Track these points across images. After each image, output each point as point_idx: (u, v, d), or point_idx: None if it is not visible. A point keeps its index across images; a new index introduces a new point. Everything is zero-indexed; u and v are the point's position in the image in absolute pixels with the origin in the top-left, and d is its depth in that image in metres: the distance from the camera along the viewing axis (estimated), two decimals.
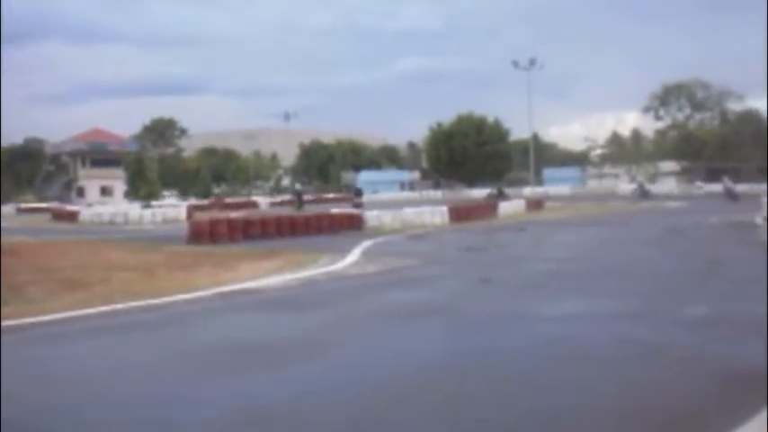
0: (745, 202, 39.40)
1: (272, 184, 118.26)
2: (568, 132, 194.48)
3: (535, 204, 47.00)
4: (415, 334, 9.80)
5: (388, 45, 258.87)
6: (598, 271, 16.38)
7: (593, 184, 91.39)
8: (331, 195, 79.83)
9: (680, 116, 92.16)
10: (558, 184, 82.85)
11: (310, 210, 39.74)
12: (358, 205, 41.70)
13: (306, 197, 61.02)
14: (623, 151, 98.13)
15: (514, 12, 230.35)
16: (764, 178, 58.25)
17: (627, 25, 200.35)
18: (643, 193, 56.81)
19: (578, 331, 9.52)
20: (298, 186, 53.83)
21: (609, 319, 10.27)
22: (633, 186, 64.30)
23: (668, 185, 75.01)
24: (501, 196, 53.84)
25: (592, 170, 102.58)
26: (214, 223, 27.48)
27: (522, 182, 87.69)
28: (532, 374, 7.47)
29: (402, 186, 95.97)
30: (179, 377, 7.78)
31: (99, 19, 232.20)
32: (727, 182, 52.41)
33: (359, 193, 49.39)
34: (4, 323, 10.61)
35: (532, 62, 75.15)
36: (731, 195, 48.80)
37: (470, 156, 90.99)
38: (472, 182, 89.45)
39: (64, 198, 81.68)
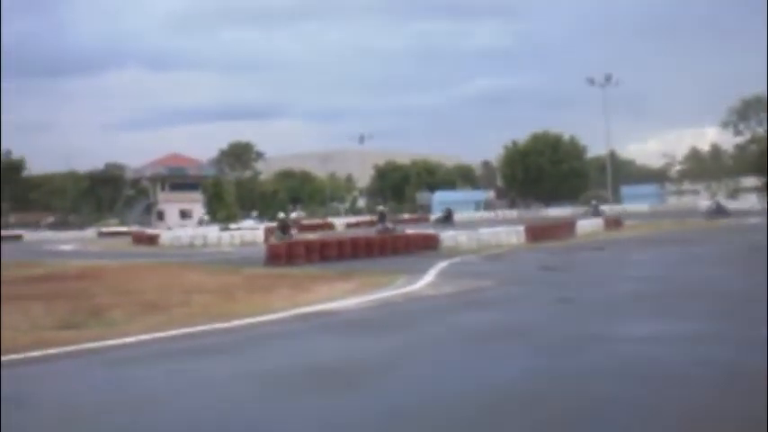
0: None
1: (347, 205, 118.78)
2: (646, 149, 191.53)
3: (613, 222, 46.32)
4: (492, 356, 9.71)
5: (461, 65, 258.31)
6: (677, 291, 16.05)
7: (672, 202, 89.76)
8: (406, 216, 79.85)
9: (760, 130, 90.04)
10: (636, 202, 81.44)
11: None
12: (445, 219, 41.11)
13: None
14: (702, 167, 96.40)
15: (588, 29, 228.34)
16: None
17: (704, 40, 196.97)
18: (719, 210, 55.22)
19: (658, 353, 9.34)
20: (381, 208, 53.81)
21: (689, 341, 10.05)
22: (709, 203, 62.58)
23: (749, 201, 73.19)
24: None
25: (670, 187, 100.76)
26: (291, 245, 27.69)
27: (600, 200, 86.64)
28: (612, 397, 7.34)
29: (477, 206, 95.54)
30: (259, 399, 7.82)
31: (175, 45, 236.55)
32: None
33: (449, 214, 48.81)
34: (86, 345, 10.86)
35: (608, 79, 74.56)
36: None
37: (546, 174, 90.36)
38: (549, 200, 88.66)
39: (144, 222, 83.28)
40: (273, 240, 33.23)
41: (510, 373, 8.63)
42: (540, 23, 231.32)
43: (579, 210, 69.95)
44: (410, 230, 36.45)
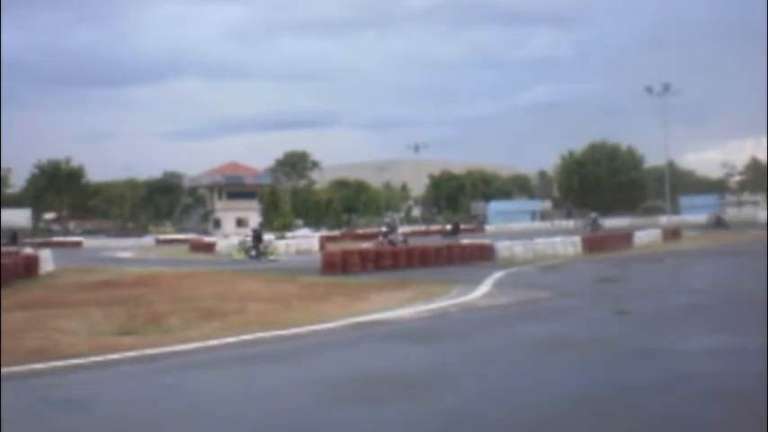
0: None
1: (402, 214, 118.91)
2: (705, 159, 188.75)
3: (672, 233, 45.73)
4: (548, 368, 9.60)
5: (517, 74, 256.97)
6: (737, 303, 15.79)
7: (731, 212, 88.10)
8: (461, 226, 79.58)
9: None
10: (694, 213, 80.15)
11: (437, 240, 39.65)
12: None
13: (434, 227, 61.14)
14: (763, 177, 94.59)
15: (645, 38, 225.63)
16: None
17: (762, 48, 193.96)
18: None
19: (716, 367, 9.16)
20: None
21: (748, 355, 9.85)
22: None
23: None
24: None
25: (730, 198, 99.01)
26: (346, 254, 27.76)
27: (658, 210, 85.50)
28: (669, 412, 7.21)
29: (533, 216, 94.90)
30: (314, 407, 7.81)
31: (233, 55, 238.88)
32: None
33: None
34: (144, 351, 10.99)
35: (666, 88, 73.59)
36: None
37: (603, 184, 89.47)
38: (606, 211, 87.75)
39: (201, 229, 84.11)
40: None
41: (566, 385, 8.53)
42: (596, 32, 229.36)
43: (638, 220, 68.93)
44: (465, 240, 36.29)
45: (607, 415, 7.25)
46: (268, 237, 44.96)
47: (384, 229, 42.45)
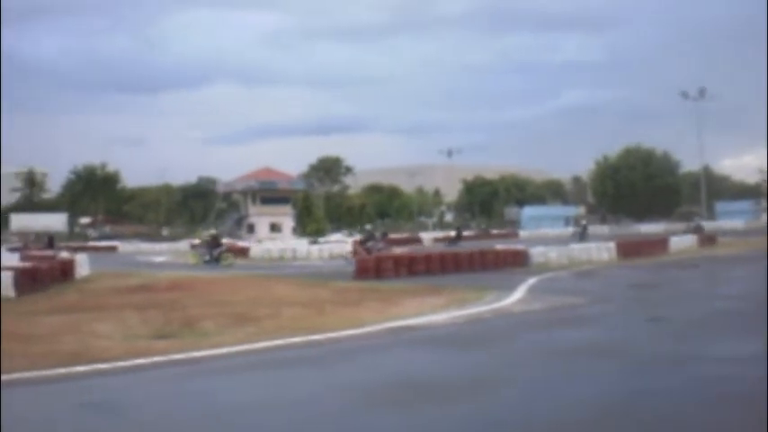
0: None
1: (435, 219, 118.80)
2: (742, 164, 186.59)
3: (707, 239, 45.25)
4: (583, 374, 9.53)
5: (550, 79, 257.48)
6: None
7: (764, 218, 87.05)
8: (495, 231, 79.43)
9: None
10: (731, 218, 79.27)
11: (470, 245, 39.54)
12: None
13: (466, 233, 61.00)
14: None
15: (680, 42, 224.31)
16: None
17: None
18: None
19: (751, 374, 9.00)
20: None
21: None
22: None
23: None
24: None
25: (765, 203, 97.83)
26: (379, 259, 27.73)
27: (693, 216, 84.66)
28: (702, 418, 7.14)
29: (567, 222, 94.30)
30: (349, 412, 7.81)
31: (266, 62, 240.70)
32: None
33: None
34: (179, 355, 11.04)
35: (702, 93, 72.95)
36: None
37: (638, 189, 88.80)
38: (640, 216, 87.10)
39: (235, 234, 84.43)
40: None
41: (600, 392, 8.46)
42: (628, 35, 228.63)
43: (674, 226, 68.14)
44: (499, 246, 36.16)
45: (641, 422, 7.17)
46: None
47: (361, 236, 42.57)
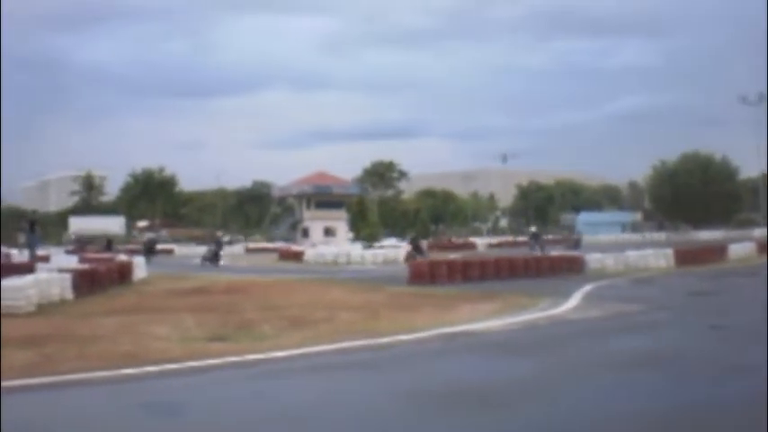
0: None
1: (489, 225, 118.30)
2: None
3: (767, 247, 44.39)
4: (641, 383, 9.36)
5: (606, 83, 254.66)
6: None
7: None
8: (550, 237, 78.80)
9: None
10: None
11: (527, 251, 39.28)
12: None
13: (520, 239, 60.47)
14: None
15: (738, 46, 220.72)
16: None
17: None
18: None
19: None
20: (533, 228, 52.99)
21: None
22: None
23: None
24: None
25: None
26: (434, 264, 27.67)
27: (753, 223, 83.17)
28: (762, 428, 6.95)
29: (623, 228, 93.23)
30: (405, 417, 7.79)
31: (321, 67, 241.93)
32: None
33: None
34: (236, 358, 11.12)
35: (761, 97, 71.67)
36: None
37: (696, 195, 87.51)
38: (698, 223, 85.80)
39: (289, 238, 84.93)
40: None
41: (659, 401, 8.31)
42: (687, 40, 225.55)
43: (730, 233, 66.98)
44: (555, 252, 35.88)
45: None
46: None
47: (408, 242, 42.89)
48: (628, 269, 31.06)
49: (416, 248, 37.22)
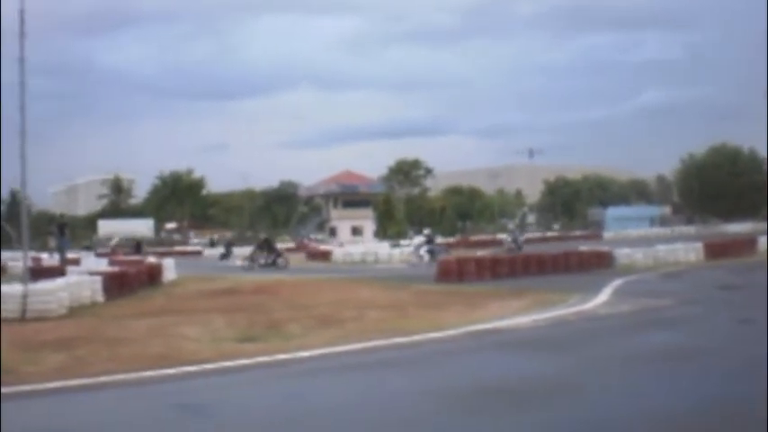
0: None
1: (516, 221, 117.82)
2: None
3: None
4: (671, 378, 9.31)
5: (630, 78, 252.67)
6: None
7: None
8: (577, 233, 78.46)
9: None
10: None
11: (555, 247, 39.11)
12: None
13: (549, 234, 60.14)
14: None
15: (760, 38, 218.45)
16: None
17: None
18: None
19: None
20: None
21: None
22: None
23: None
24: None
25: None
26: (462, 262, 27.63)
27: None
28: None
29: (652, 222, 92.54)
30: (435, 415, 7.78)
31: (345, 66, 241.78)
32: None
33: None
34: (266, 358, 11.17)
35: None
36: None
37: (725, 188, 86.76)
38: (727, 216, 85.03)
39: (310, 236, 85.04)
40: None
41: (690, 396, 8.28)
42: (710, 33, 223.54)
43: (759, 226, 66.21)
44: (583, 247, 35.73)
45: (732, 427, 7.02)
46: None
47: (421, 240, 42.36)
48: (657, 263, 30.88)
49: (431, 245, 37.22)
